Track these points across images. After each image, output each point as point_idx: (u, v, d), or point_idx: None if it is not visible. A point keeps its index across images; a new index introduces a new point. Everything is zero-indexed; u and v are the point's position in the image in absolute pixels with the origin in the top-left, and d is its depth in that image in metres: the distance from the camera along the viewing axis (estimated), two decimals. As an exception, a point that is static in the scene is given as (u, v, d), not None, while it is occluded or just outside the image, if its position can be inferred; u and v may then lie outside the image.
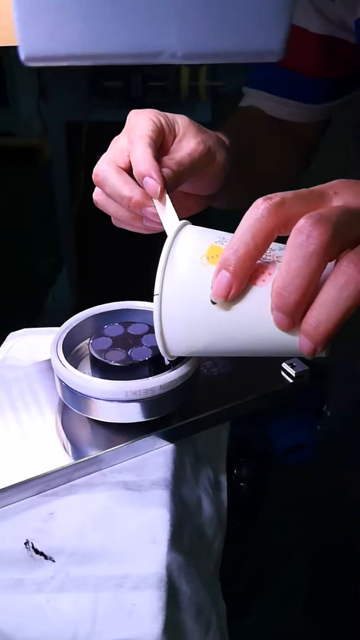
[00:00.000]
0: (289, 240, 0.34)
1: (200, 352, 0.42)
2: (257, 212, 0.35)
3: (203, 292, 0.38)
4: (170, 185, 0.46)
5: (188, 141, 0.49)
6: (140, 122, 0.47)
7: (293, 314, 0.34)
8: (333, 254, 0.34)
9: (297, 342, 0.36)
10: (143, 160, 0.44)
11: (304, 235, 0.33)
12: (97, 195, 0.49)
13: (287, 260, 0.34)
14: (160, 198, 0.45)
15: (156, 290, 0.39)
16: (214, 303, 0.37)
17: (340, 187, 0.37)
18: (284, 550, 1.15)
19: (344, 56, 0.66)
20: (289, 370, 0.54)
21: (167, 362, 0.46)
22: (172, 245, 0.40)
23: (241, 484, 0.69)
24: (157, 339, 0.41)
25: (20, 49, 0.21)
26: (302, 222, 0.33)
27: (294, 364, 0.55)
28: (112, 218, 0.50)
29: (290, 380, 0.54)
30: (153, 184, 0.44)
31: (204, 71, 1.57)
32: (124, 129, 0.49)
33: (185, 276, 0.39)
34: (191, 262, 0.39)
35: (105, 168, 0.47)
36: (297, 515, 1.02)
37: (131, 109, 0.50)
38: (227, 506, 0.55)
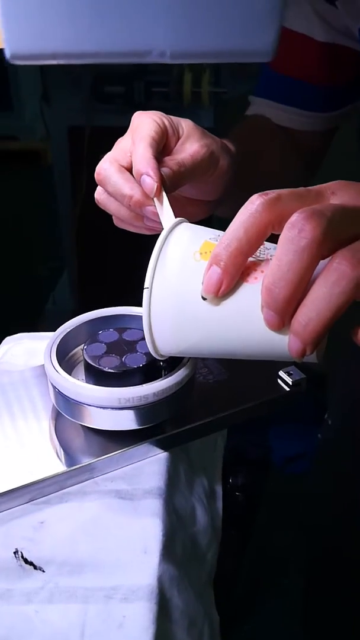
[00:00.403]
0: (281, 235, 0.33)
1: (189, 351, 0.41)
2: (252, 207, 0.34)
3: (194, 288, 0.37)
4: (170, 185, 0.45)
5: (191, 144, 0.49)
6: (144, 123, 0.47)
7: (283, 312, 0.33)
8: (325, 251, 0.32)
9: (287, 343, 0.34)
10: (142, 159, 0.44)
11: (297, 229, 0.32)
12: (99, 194, 0.49)
13: (278, 255, 0.33)
14: (157, 196, 0.44)
15: (146, 284, 0.39)
16: (204, 299, 0.37)
17: (338, 188, 0.36)
18: (281, 560, 1.13)
19: (349, 63, 0.66)
20: (285, 378, 0.54)
21: (157, 359, 0.44)
22: (166, 239, 0.40)
23: (237, 493, 0.68)
24: (145, 335, 0.40)
25: (6, 46, 0.21)
26: (295, 216, 0.32)
27: (291, 372, 0.54)
28: (113, 218, 0.50)
29: (287, 389, 0.53)
30: (150, 181, 0.44)
31: (207, 77, 1.57)
32: (128, 130, 0.49)
33: (176, 270, 0.38)
34: (183, 256, 0.39)
35: (108, 167, 0.47)
36: (295, 525, 1.01)
37: (133, 114, 0.50)
38: (223, 516, 0.54)
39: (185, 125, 0.49)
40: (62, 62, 0.21)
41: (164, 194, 0.45)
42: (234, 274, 0.35)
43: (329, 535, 0.83)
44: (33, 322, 1.76)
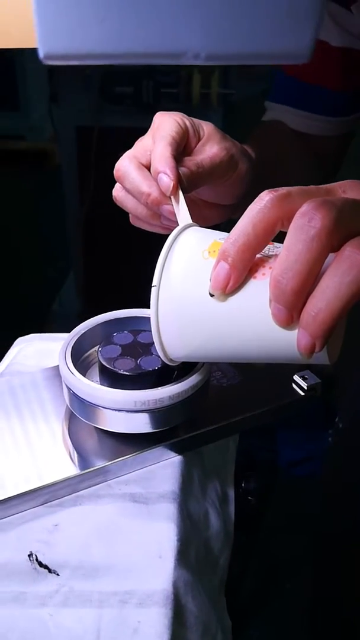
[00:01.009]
0: (291, 225, 0.32)
1: (197, 353, 0.40)
2: (261, 203, 0.34)
3: (201, 285, 0.36)
4: (187, 185, 0.45)
5: (211, 146, 0.49)
6: (165, 123, 0.47)
7: (291, 305, 0.32)
8: (335, 241, 0.31)
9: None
10: (161, 158, 0.44)
11: (306, 218, 0.31)
12: (117, 191, 0.49)
13: (287, 245, 0.32)
14: (174, 195, 0.44)
15: (154, 282, 0.38)
16: (212, 296, 0.36)
17: (349, 186, 0.36)
18: (288, 565, 1.13)
19: None
20: (300, 383, 0.53)
21: (166, 363, 0.43)
22: (176, 239, 0.40)
23: (249, 498, 0.68)
24: (153, 334, 0.40)
25: (40, 46, 0.21)
26: (305, 206, 0.31)
27: (306, 376, 0.53)
28: (130, 216, 0.50)
29: (302, 393, 0.53)
30: (167, 180, 0.44)
31: (216, 78, 1.57)
32: (149, 129, 0.49)
33: (184, 268, 0.38)
34: (192, 254, 0.38)
35: (127, 164, 0.47)
36: (305, 529, 1.00)
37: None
38: (235, 520, 0.54)
39: (206, 127, 0.49)
40: (95, 62, 0.21)
41: (180, 193, 0.44)
42: (242, 269, 0.35)
43: (339, 541, 0.82)
44: (39, 322, 1.76)
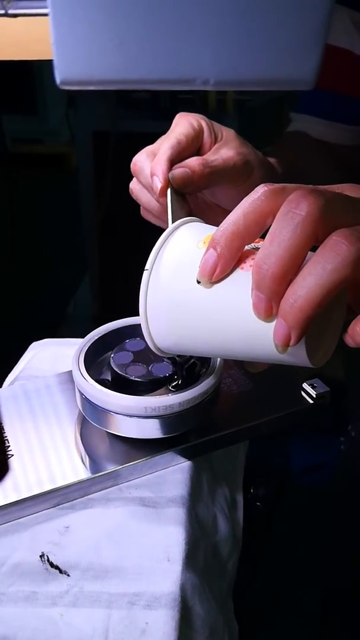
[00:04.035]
0: (278, 212, 0.32)
1: (183, 341, 0.40)
2: (255, 195, 0.34)
3: (191, 273, 0.37)
4: (191, 184, 0.46)
5: (228, 150, 0.49)
6: (179, 125, 0.48)
7: (271, 293, 0.31)
8: (320, 230, 0.31)
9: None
10: (157, 160, 0.46)
11: (293, 204, 0.31)
12: (134, 184, 0.50)
13: (272, 230, 0.31)
14: (162, 197, 0.46)
15: (147, 266, 0.39)
16: (199, 283, 0.36)
17: (347, 188, 0.36)
18: (298, 571, 1.13)
19: None
20: (309, 391, 0.54)
21: (155, 352, 0.42)
22: (175, 229, 0.40)
23: (258, 504, 0.68)
24: (140, 318, 0.40)
25: (57, 72, 0.22)
26: (293, 194, 0.31)
27: (315, 384, 0.54)
28: (141, 209, 0.51)
29: (311, 401, 0.53)
30: (156, 182, 0.45)
31: (232, 84, 1.58)
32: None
33: (177, 255, 0.39)
34: (187, 243, 0.39)
35: (144, 159, 0.48)
36: (316, 537, 1.00)
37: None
38: (243, 526, 0.54)
39: (226, 132, 0.50)
40: (109, 88, 0.22)
41: (169, 197, 0.45)
42: (229, 258, 0.34)
43: (349, 549, 0.82)
44: (54, 325, 1.78)
